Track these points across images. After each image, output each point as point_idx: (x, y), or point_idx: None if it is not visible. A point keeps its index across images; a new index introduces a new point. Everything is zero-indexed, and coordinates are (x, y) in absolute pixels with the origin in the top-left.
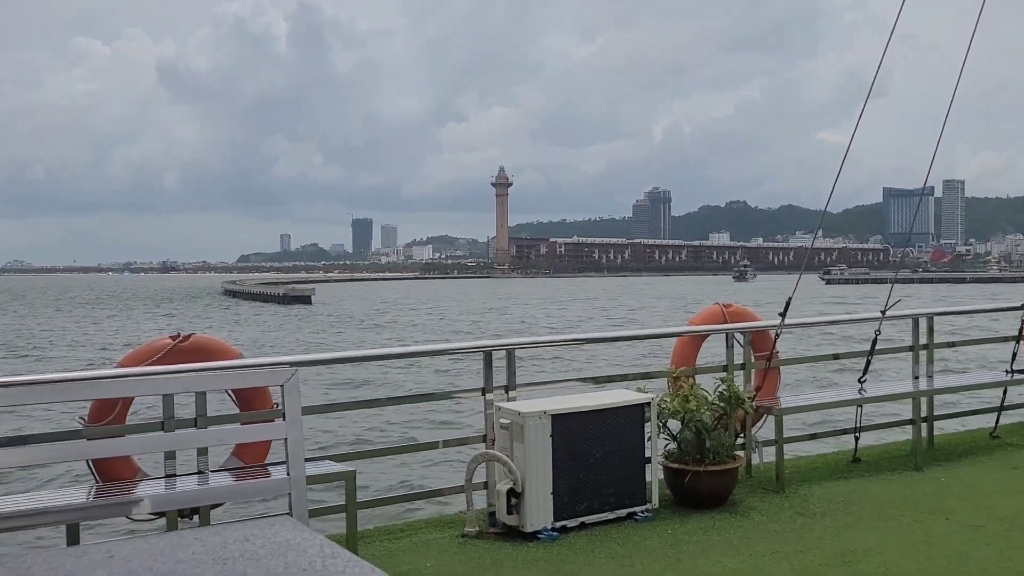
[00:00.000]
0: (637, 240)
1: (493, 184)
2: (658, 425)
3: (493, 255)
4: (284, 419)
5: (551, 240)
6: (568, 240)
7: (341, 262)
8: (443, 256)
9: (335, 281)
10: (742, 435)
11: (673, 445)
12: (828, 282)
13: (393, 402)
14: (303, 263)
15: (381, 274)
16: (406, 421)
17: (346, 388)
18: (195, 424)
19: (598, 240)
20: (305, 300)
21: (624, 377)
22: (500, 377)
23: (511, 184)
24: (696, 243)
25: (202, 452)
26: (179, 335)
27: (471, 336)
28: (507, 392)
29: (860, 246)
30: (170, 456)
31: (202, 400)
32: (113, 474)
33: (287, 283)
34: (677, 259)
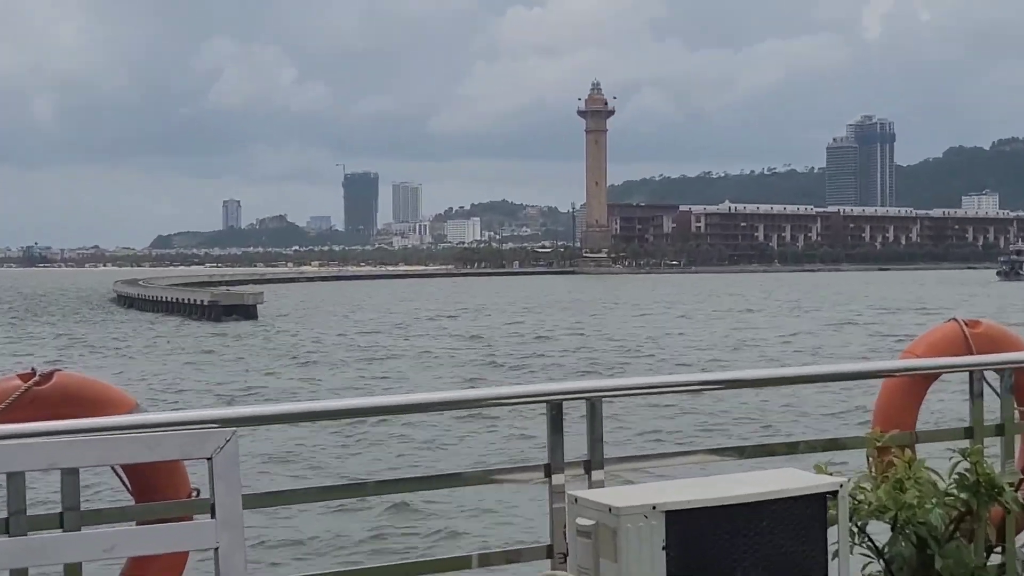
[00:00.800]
0: (833, 208)
1: (582, 113)
2: (852, 531)
3: (582, 235)
4: (212, 516)
5: (683, 209)
6: (714, 209)
7: (326, 247)
8: (497, 236)
9: (311, 280)
10: (1000, 549)
11: (879, 566)
12: None
13: (391, 488)
14: (260, 249)
15: (393, 268)
16: (416, 520)
17: (309, 466)
18: (61, 523)
19: (765, 208)
20: (246, 312)
21: (792, 447)
22: (576, 446)
23: (613, 112)
24: (938, 212)
25: (74, 570)
26: (34, 372)
27: (526, 375)
28: (588, 472)
29: None
30: None
31: (73, 482)
32: None
33: (223, 283)
34: (903, 240)
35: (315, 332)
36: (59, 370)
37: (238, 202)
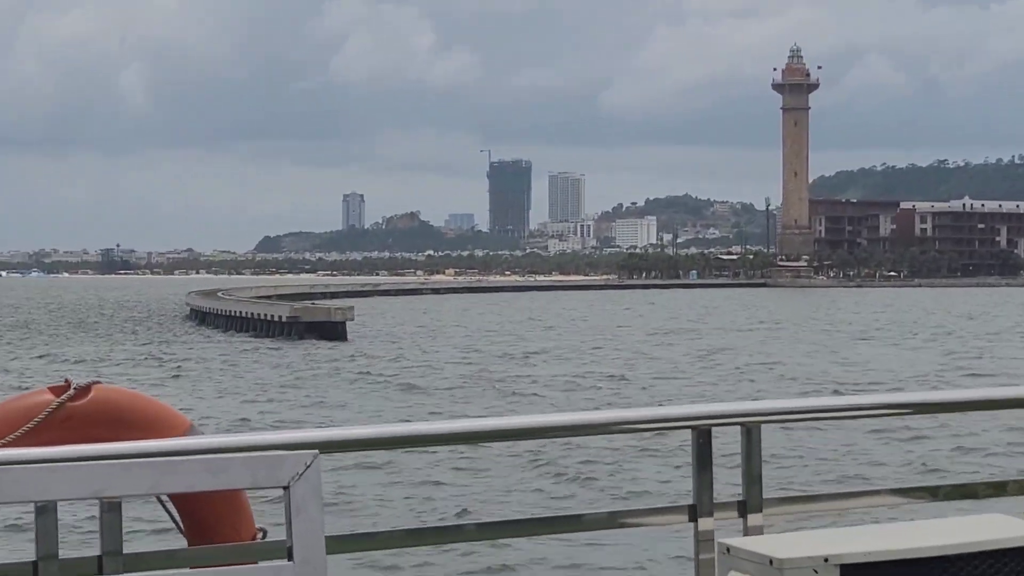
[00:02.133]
0: None
1: (778, 87)
2: None
3: (778, 239)
4: (292, 559)
5: (904, 207)
6: (944, 206)
7: (466, 251)
8: (678, 239)
9: (437, 292)
10: None
11: None
12: None
13: (500, 531)
14: (386, 254)
15: (543, 278)
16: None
17: (390, 506)
18: (99, 568)
19: (1010, 206)
20: (333, 330)
21: (999, 488)
22: (729, 481)
23: (816, 86)
24: None
25: None
26: (69, 385)
27: (663, 396)
28: (744, 515)
29: None
30: None
31: (115, 520)
32: None
33: (326, 295)
34: None
35: (412, 357)
36: (98, 382)
37: (361, 196)
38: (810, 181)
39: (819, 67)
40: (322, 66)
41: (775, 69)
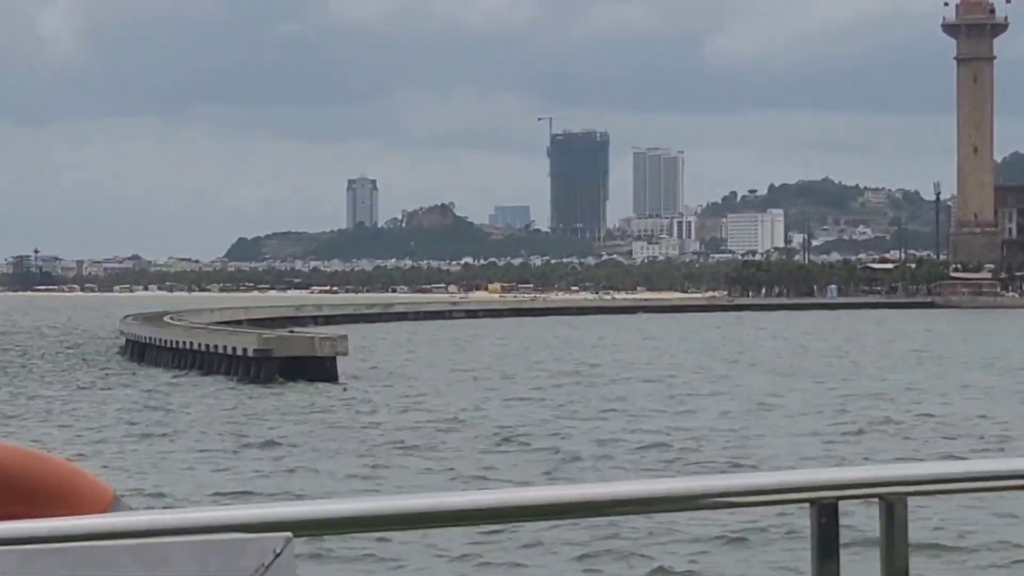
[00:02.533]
0: None
1: (950, 28)
2: None
3: (951, 241)
4: None
5: None
6: None
7: (518, 259)
8: (811, 243)
9: (473, 315)
10: None
11: None
12: None
13: None
14: (407, 262)
15: (625, 295)
16: None
17: None
18: None
19: None
20: (319, 368)
21: None
22: (861, 572)
23: (1005, 27)
24: None
25: None
26: None
27: (774, 459)
28: None
29: None
30: None
31: None
32: None
33: (305, 318)
34: None
35: (427, 406)
36: None
37: (373, 183)
38: (997, 160)
39: (1008, 1)
40: (318, 10)
41: (946, 4)
